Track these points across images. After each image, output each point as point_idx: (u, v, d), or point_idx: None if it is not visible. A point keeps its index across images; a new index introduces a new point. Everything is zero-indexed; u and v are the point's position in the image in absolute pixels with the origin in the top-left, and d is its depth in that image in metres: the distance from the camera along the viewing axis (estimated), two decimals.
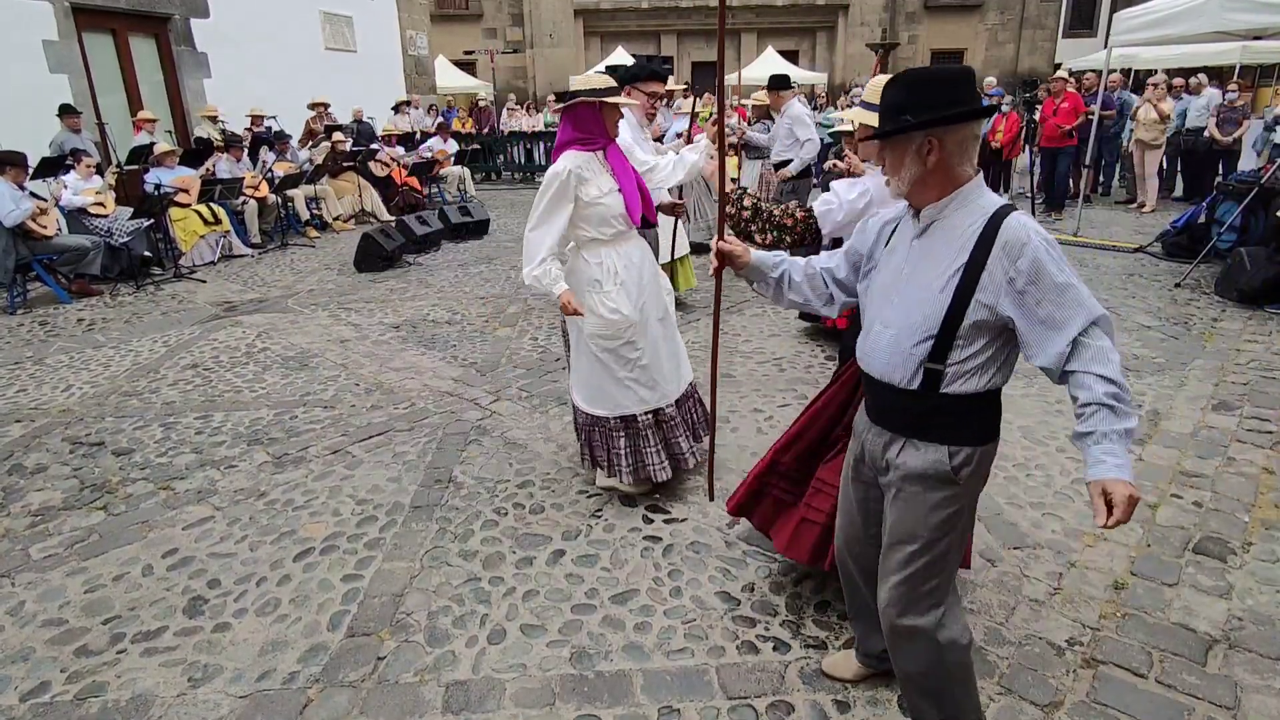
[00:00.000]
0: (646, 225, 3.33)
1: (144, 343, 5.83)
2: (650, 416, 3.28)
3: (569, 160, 3.02)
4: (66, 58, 9.23)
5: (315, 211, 10.44)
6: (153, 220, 7.91)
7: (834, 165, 3.82)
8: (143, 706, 2.28)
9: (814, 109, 14.62)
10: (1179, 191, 11.34)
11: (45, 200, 7.16)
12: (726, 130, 3.83)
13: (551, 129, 16.49)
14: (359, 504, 3.40)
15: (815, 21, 26.13)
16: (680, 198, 4.67)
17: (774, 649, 2.46)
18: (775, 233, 2.59)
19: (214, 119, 10.47)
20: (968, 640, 1.84)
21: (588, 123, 3.06)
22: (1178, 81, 11.52)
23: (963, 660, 1.85)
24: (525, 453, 3.85)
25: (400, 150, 12.14)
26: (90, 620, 2.67)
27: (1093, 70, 11.93)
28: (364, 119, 12.85)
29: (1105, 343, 1.56)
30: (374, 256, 8.08)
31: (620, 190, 3.11)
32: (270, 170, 9.82)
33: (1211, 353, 5.00)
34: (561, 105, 3.08)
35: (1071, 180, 10.60)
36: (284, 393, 4.76)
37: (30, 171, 7.12)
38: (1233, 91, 10.37)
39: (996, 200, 1.68)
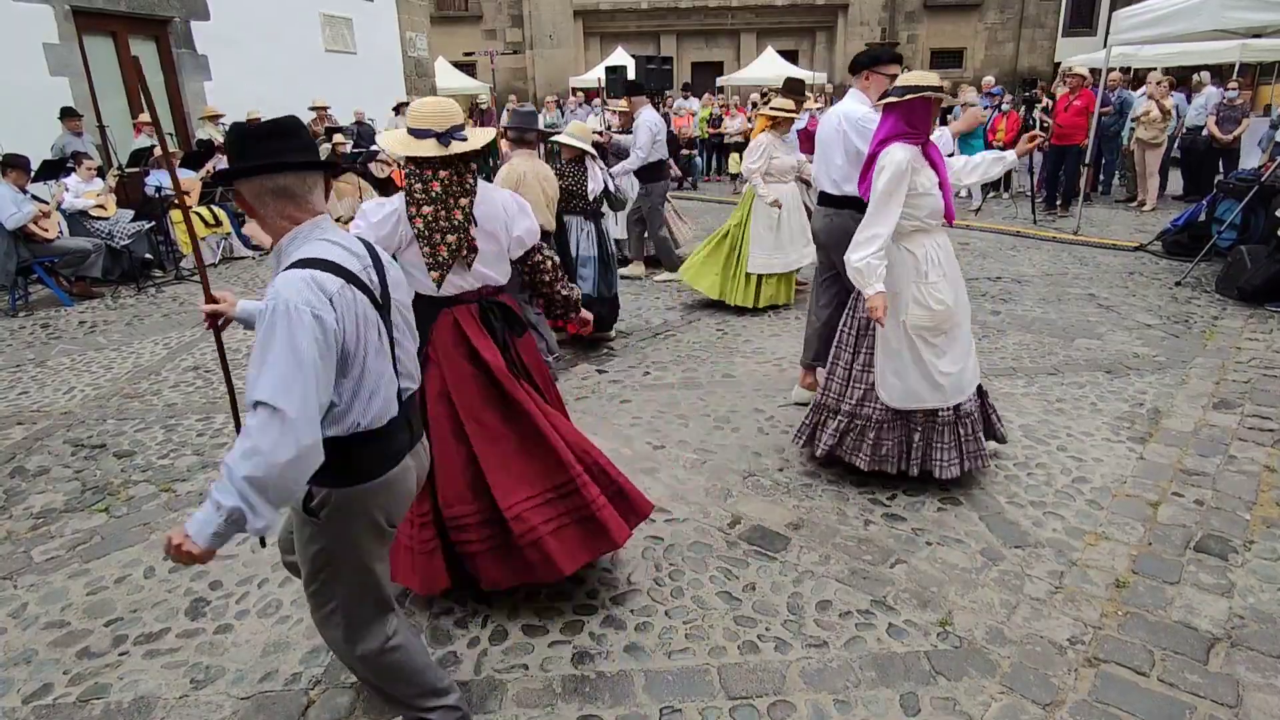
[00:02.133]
0: None
1: (145, 345, 5.84)
2: (951, 413, 3.26)
3: (904, 152, 3.03)
4: (66, 60, 9.23)
5: None
6: (154, 223, 7.92)
7: None
8: (145, 708, 2.28)
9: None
10: (1178, 189, 11.34)
11: (47, 203, 7.18)
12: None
13: (553, 129, 16.48)
14: None
15: (815, 21, 26.11)
16: None
17: (775, 649, 2.46)
18: None
19: (215, 119, 10.47)
20: (383, 646, 1.90)
21: (920, 117, 3.06)
22: (1172, 79, 11.51)
23: (385, 663, 1.92)
24: None
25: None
26: (92, 622, 2.67)
27: (1093, 69, 11.93)
28: (365, 120, 12.86)
29: (251, 423, 1.48)
30: None
31: (940, 184, 3.14)
32: None
33: (1212, 351, 5.00)
34: (897, 100, 3.05)
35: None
36: None
37: (31, 174, 7.13)
38: (1233, 90, 10.36)
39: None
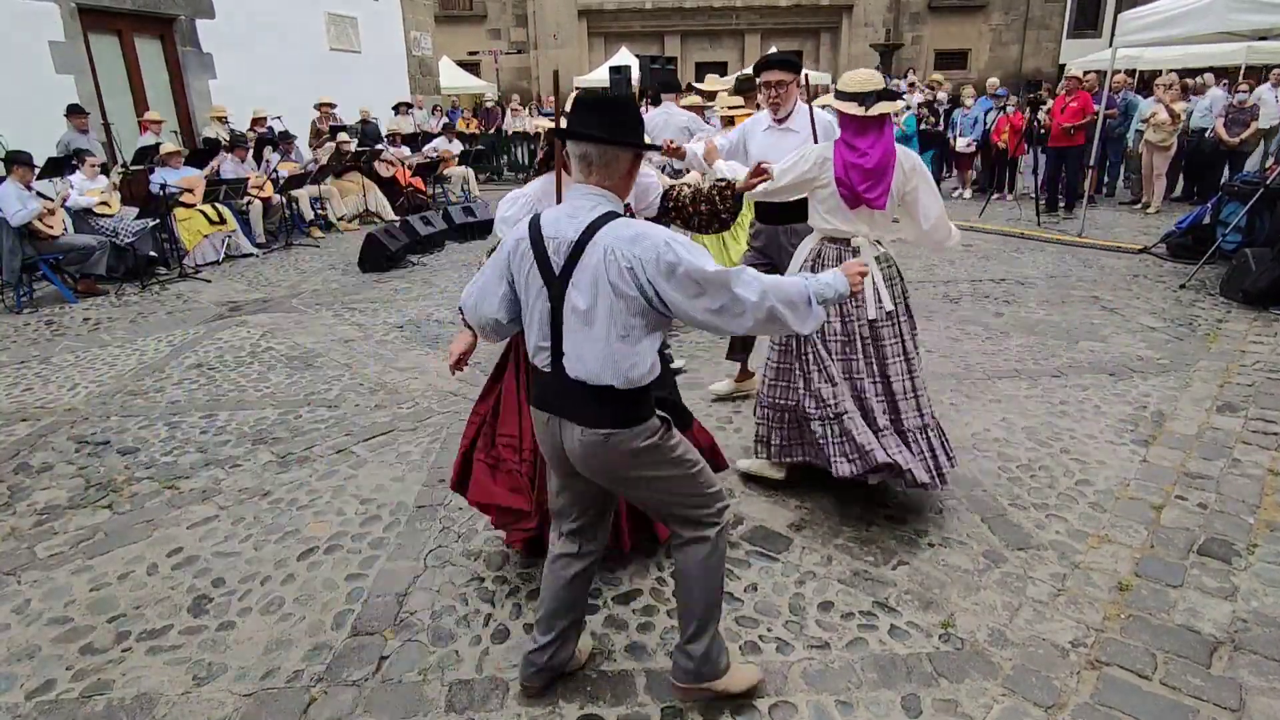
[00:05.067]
0: None
1: (149, 342, 5.85)
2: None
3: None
4: (72, 58, 9.26)
5: (320, 211, 10.47)
6: (158, 220, 7.94)
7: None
8: (148, 704, 2.29)
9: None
10: (1179, 192, 11.32)
11: (52, 200, 7.19)
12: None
13: None
14: (363, 503, 3.41)
15: (819, 22, 26.11)
16: None
17: (777, 650, 2.46)
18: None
19: (223, 120, 10.50)
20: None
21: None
22: (1186, 81, 11.49)
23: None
24: None
25: (405, 151, 12.17)
26: (95, 618, 2.68)
27: (1097, 70, 11.91)
28: (370, 119, 12.88)
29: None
30: (378, 256, 8.10)
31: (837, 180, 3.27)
32: (275, 170, 9.85)
33: (1216, 354, 4.99)
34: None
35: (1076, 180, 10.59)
36: (288, 392, 4.77)
37: (37, 171, 7.15)
38: (1243, 92, 10.32)
39: None
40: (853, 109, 2.91)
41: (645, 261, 1.79)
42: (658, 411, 1.98)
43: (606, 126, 1.88)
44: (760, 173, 2.74)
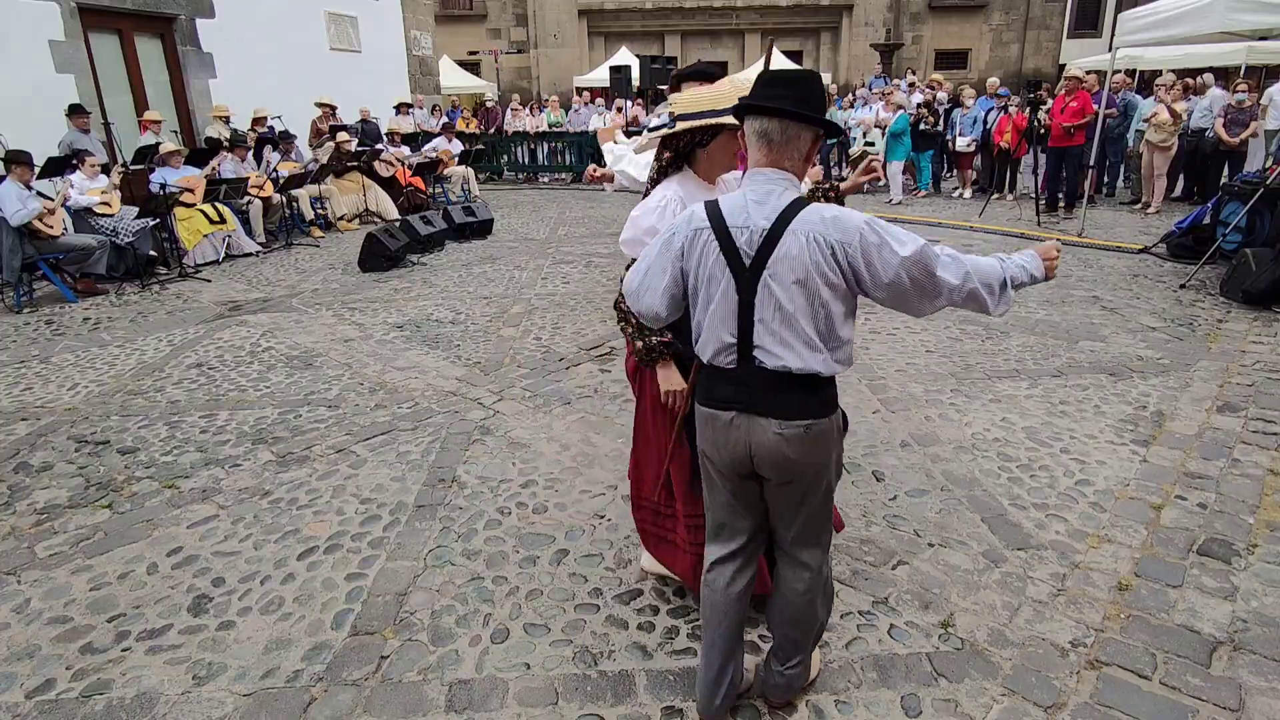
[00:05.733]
0: None
1: (149, 342, 5.85)
2: None
3: None
4: (72, 58, 9.26)
5: (320, 211, 10.47)
6: (158, 220, 7.94)
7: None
8: (147, 704, 2.29)
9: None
10: (1179, 192, 11.32)
11: (52, 200, 7.19)
12: None
13: (556, 129, 16.50)
14: (363, 503, 3.41)
15: (820, 22, 26.11)
16: None
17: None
18: None
19: (226, 119, 10.50)
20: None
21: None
22: (1188, 81, 11.48)
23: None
24: (528, 452, 3.86)
25: (405, 150, 12.17)
26: (95, 618, 2.68)
27: (1096, 70, 11.90)
28: (370, 118, 12.88)
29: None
30: (378, 256, 8.10)
31: None
32: (275, 170, 9.85)
33: (1216, 354, 4.99)
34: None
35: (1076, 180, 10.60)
36: (288, 392, 4.77)
37: (37, 171, 7.15)
38: (1243, 92, 10.32)
39: None
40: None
41: (848, 244, 1.75)
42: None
43: (794, 100, 1.78)
44: (870, 171, 2.61)
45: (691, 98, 2.26)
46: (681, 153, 2.31)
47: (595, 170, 3.28)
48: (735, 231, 1.80)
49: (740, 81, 2.25)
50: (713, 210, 1.84)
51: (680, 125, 2.24)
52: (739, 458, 1.91)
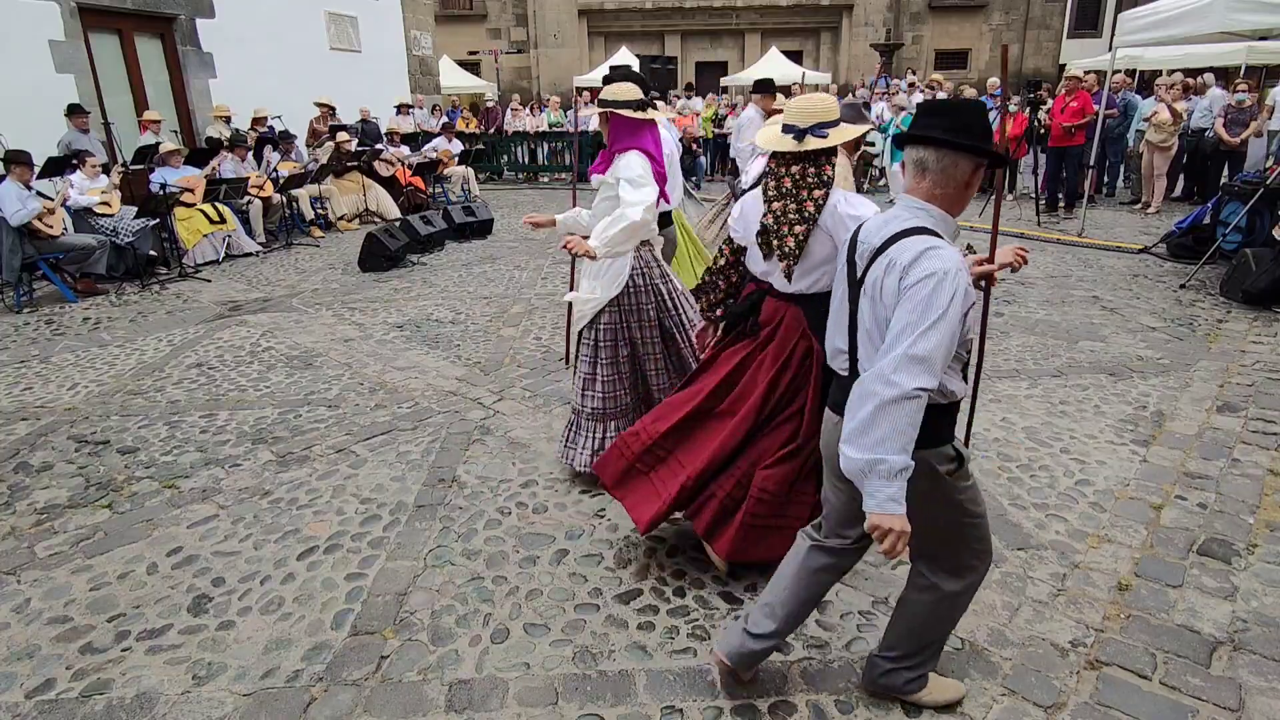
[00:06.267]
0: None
1: (149, 342, 5.85)
2: None
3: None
4: (72, 58, 9.25)
5: (320, 211, 10.46)
6: (158, 220, 7.93)
7: None
8: (147, 704, 2.29)
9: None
10: (1179, 192, 11.32)
11: (52, 200, 7.19)
12: None
13: (556, 129, 16.50)
14: (363, 503, 3.41)
15: (819, 22, 26.10)
16: None
17: (776, 649, 2.45)
18: None
19: (227, 119, 10.50)
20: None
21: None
22: (1188, 81, 11.47)
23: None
24: (528, 452, 3.86)
25: (405, 150, 12.16)
26: (95, 618, 2.68)
27: (1096, 70, 11.90)
28: (369, 118, 12.87)
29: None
30: (378, 256, 8.10)
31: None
32: (275, 170, 9.85)
33: (1216, 354, 4.99)
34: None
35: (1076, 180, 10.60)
36: (288, 392, 4.77)
37: (36, 171, 7.14)
38: (1243, 92, 10.32)
39: None
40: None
41: (905, 279, 1.72)
42: (956, 447, 1.91)
43: (948, 129, 1.79)
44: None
45: (808, 110, 2.47)
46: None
47: (531, 218, 3.58)
48: (859, 246, 1.91)
49: (816, 99, 2.52)
50: (858, 228, 1.98)
51: (834, 137, 2.45)
52: (831, 458, 2.01)
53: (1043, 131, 10.25)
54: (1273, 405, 4.18)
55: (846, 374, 1.94)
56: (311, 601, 2.75)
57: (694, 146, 14.70)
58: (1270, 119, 9.90)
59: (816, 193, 2.46)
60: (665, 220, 4.40)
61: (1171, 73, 11.68)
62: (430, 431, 4.12)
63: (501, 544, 3.07)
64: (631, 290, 3.33)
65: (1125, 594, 2.67)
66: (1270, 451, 3.68)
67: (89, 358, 5.51)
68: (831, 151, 2.50)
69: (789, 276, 2.52)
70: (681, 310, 3.47)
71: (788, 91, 15.74)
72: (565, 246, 3.15)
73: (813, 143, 2.43)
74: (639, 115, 3.17)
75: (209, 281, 7.75)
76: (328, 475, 3.67)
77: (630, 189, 3.12)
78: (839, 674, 2.34)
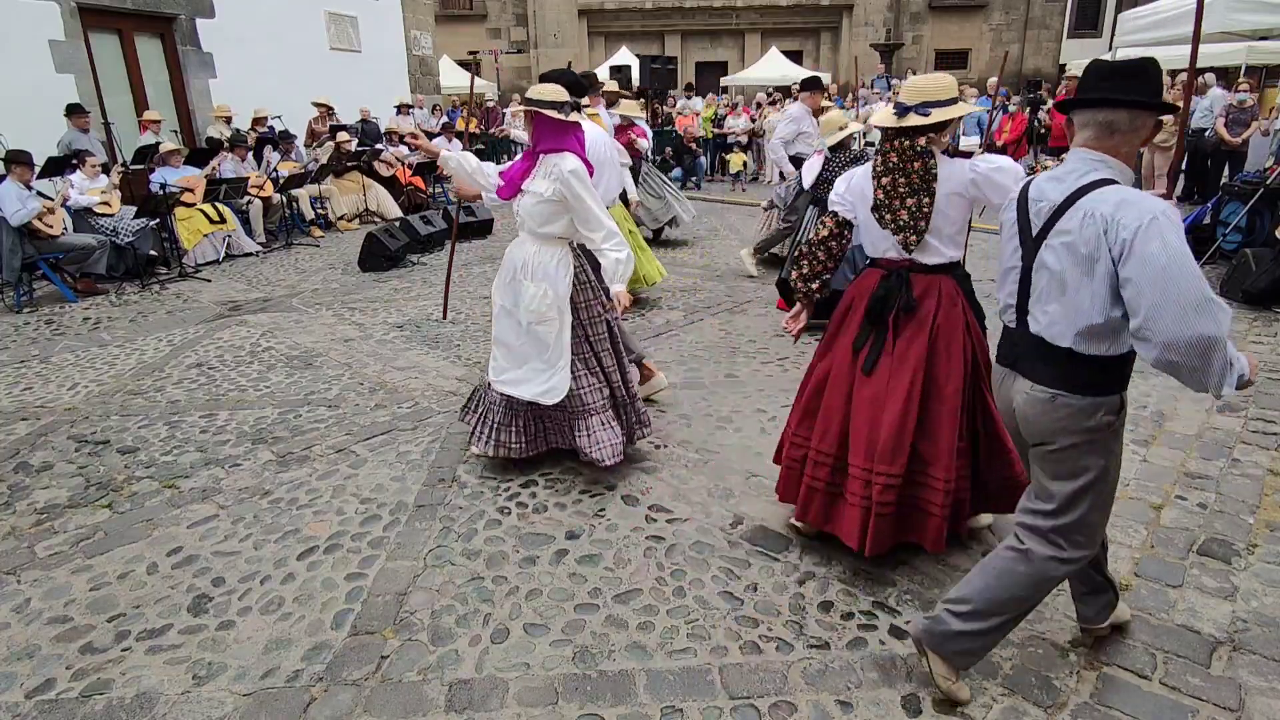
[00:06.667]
0: None
1: (149, 341, 5.85)
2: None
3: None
4: (72, 57, 9.26)
5: (320, 211, 10.46)
6: (158, 220, 7.93)
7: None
8: (147, 704, 2.29)
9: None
10: (1179, 192, 11.30)
11: (52, 200, 7.19)
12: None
13: None
14: (363, 503, 3.41)
15: (819, 22, 26.10)
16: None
17: (777, 649, 2.46)
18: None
19: (228, 119, 10.50)
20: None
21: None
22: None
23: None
24: None
25: (405, 150, 12.16)
26: (95, 618, 2.68)
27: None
28: (370, 118, 12.88)
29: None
30: (378, 256, 8.10)
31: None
32: (275, 170, 9.85)
33: None
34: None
35: None
36: (288, 392, 4.77)
37: (36, 171, 7.14)
38: (1243, 92, 10.32)
39: None
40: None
41: (1123, 226, 1.75)
42: (1122, 395, 1.97)
43: (1147, 93, 1.86)
44: None
45: (920, 89, 2.59)
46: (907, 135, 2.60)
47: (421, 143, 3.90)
48: (1032, 204, 1.99)
49: (950, 80, 2.63)
50: (1024, 187, 2.06)
51: (937, 115, 2.54)
52: (1007, 413, 2.12)
53: (1043, 131, 10.26)
54: (1273, 405, 4.17)
55: (1015, 325, 2.05)
56: (311, 601, 2.75)
57: (694, 146, 14.71)
58: (1274, 119, 9.89)
59: (915, 164, 2.59)
60: None
61: (1176, 73, 11.64)
62: (430, 431, 4.12)
63: (501, 544, 3.07)
64: (578, 286, 3.43)
65: (1125, 594, 2.67)
66: (1270, 451, 3.68)
67: (89, 358, 5.51)
68: (934, 128, 2.58)
69: (907, 248, 2.63)
70: (604, 307, 3.59)
71: (787, 92, 15.74)
72: (622, 308, 3.31)
73: (912, 119, 2.55)
74: (562, 117, 3.22)
75: (209, 281, 7.75)
76: (328, 475, 3.67)
77: (604, 220, 3.26)
78: (839, 674, 2.34)
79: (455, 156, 3.68)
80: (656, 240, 8.86)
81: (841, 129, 5.39)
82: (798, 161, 6.80)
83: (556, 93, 3.28)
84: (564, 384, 3.36)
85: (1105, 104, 1.88)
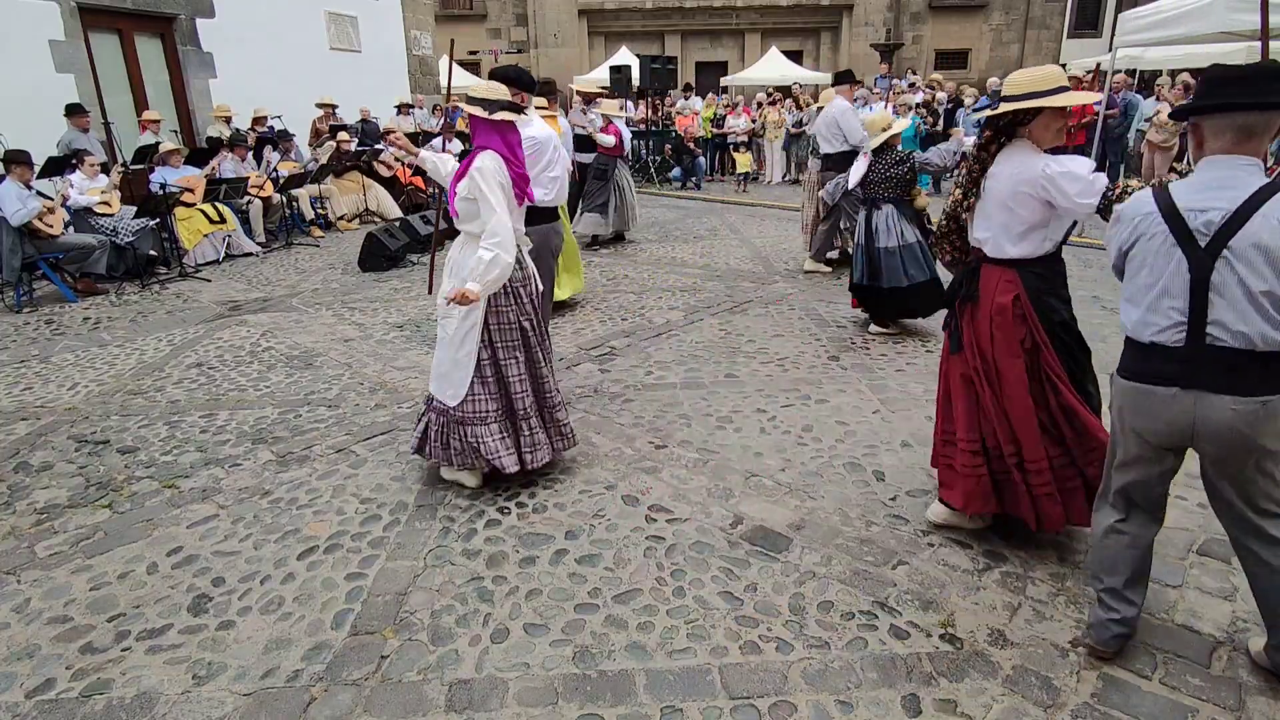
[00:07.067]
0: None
1: (149, 341, 5.85)
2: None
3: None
4: (72, 57, 9.26)
5: (320, 211, 10.46)
6: (158, 219, 7.93)
7: None
8: (147, 704, 2.29)
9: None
10: None
11: (52, 200, 7.19)
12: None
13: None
14: (363, 503, 3.41)
15: (819, 21, 26.08)
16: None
17: (776, 649, 2.46)
18: None
19: (228, 119, 10.50)
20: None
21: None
22: (1189, 80, 11.47)
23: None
24: None
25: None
26: (95, 617, 2.68)
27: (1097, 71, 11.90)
28: (370, 118, 12.87)
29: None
30: (378, 256, 8.10)
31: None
32: (275, 170, 9.85)
33: None
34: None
35: None
36: (288, 391, 4.77)
37: (36, 170, 7.14)
38: None
39: None
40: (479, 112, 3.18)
41: None
42: None
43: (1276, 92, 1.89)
44: None
45: (1014, 82, 2.71)
46: (1002, 129, 2.77)
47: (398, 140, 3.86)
48: (1189, 214, 1.96)
49: (1055, 71, 2.72)
50: (1162, 198, 2.01)
51: (1004, 106, 2.66)
52: (1175, 432, 2.08)
53: None
54: None
55: (1183, 343, 1.99)
56: (311, 601, 2.75)
57: (693, 146, 14.71)
58: None
59: (975, 159, 2.81)
60: (551, 215, 4.39)
61: (1177, 73, 11.66)
62: None
63: (501, 544, 3.07)
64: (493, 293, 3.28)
65: None
66: None
67: (89, 357, 5.51)
68: (1016, 118, 2.70)
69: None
70: (539, 312, 3.51)
71: (787, 92, 15.72)
72: (451, 301, 3.12)
73: (986, 112, 2.73)
74: (486, 115, 3.19)
75: (209, 281, 7.75)
76: (328, 475, 3.67)
77: (491, 219, 3.15)
78: (839, 673, 2.34)
79: (432, 157, 3.70)
80: (620, 240, 9.15)
81: (885, 129, 5.35)
82: (838, 158, 6.87)
83: (495, 90, 3.27)
84: (462, 383, 3.31)
85: (1241, 108, 1.91)
